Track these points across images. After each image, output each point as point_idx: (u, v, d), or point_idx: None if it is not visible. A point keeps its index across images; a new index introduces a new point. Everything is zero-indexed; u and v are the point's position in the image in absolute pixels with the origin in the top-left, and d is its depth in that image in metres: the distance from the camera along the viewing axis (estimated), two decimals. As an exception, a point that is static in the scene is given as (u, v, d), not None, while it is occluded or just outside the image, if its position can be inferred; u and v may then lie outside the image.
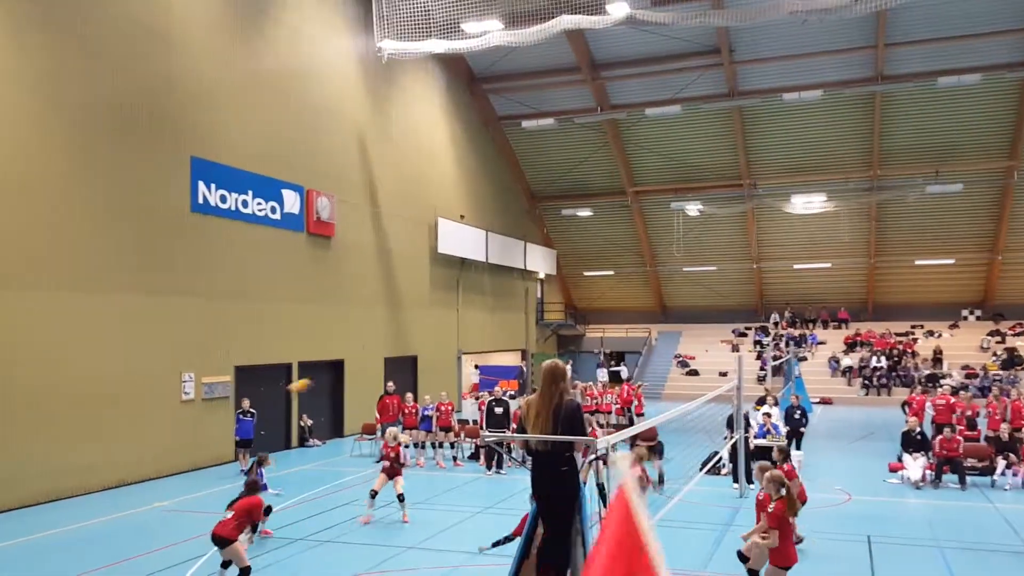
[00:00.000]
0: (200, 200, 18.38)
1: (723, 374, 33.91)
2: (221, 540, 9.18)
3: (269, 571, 10.23)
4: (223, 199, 19.02)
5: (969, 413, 18.35)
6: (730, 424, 15.14)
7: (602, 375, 34.04)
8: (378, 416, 18.69)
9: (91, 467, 15.57)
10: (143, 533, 12.34)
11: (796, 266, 38.04)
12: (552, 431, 5.98)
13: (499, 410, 17.66)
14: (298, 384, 18.66)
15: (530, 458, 6.20)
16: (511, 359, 37.20)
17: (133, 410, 16.55)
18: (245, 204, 19.70)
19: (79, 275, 15.55)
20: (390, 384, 20.02)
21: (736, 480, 14.70)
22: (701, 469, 14.98)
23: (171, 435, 17.42)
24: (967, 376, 32.01)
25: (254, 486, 10.06)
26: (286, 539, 11.72)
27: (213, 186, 18.72)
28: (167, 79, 17.65)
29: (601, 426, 20.88)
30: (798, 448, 17.50)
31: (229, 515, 9.55)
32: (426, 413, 18.57)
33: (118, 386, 16.25)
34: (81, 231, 15.59)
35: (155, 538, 11.93)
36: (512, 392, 35.65)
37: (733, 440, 15.01)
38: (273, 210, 20.66)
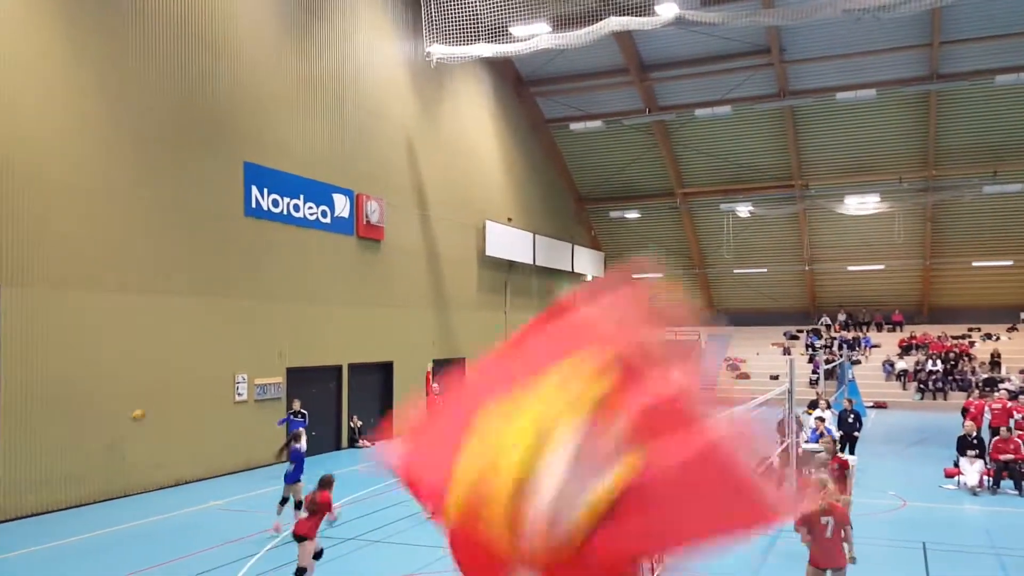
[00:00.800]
0: (253, 204, 18.72)
1: (774, 377, 33.35)
2: (302, 538, 9.31)
3: (321, 569, 10.35)
4: (275, 203, 19.35)
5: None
6: (781, 429, 14.86)
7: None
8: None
9: (147, 466, 15.95)
10: (198, 531, 12.60)
11: (849, 268, 37.25)
12: None
13: None
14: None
15: None
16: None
17: (188, 411, 16.92)
18: (297, 208, 20.01)
19: (138, 278, 15.96)
20: (435, 385, 20.10)
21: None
22: (751, 474, 14.72)
23: (225, 435, 17.76)
24: (1029, 381, 30.93)
25: (326, 483, 9.92)
26: (339, 538, 11.85)
27: (266, 190, 19.06)
28: (221, 85, 18.03)
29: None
30: (851, 453, 17.11)
31: (305, 515, 9.61)
32: None
33: (174, 387, 16.62)
34: (139, 235, 16.00)
35: (209, 536, 12.16)
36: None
37: (784, 444, 14.73)
38: (324, 214, 20.94)
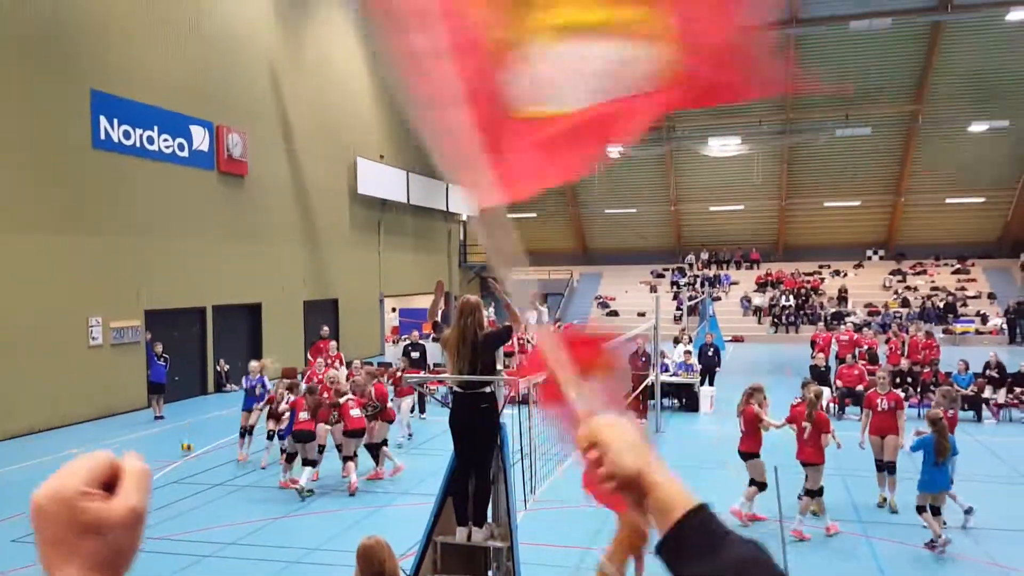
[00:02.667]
0: (103, 136, 17.48)
1: (642, 314, 34.71)
2: (307, 434, 10.90)
3: (190, 516, 10.11)
4: (127, 135, 18.14)
5: (869, 348, 19.34)
6: (632, 358, 15.59)
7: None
8: (311, 360, 18.30)
9: (-7, 416, 14.96)
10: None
11: (712, 208, 38.88)
12: (470, 366, 6.00)
13: (415, 354, 17.61)
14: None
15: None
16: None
17: (40, 356, 15.90)
18: (151, 140, 18.84)
19: (-29, 215, 14.68)
20: (324, 328, 19.68)
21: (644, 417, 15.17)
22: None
23: (80, 382, 16.84)
24: (869, 314, 33.62)
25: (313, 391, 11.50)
26: (205, 484, 11.58)
27: (116, 121, 17.81)
28: (61, 4, 16.54)
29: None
30: (711, 384, 18.13)
31: (305, 416, 10.98)
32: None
33: (19, 331, 15.55)
34: (-29, 168, 14.66)
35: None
36: (430, 334, 35.94)
37: (649, 379, 15.44)
38: (181, 147, 19.83)
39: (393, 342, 27.77)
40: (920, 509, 8.90)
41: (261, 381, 13.30)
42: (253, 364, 13.58)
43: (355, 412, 11.24)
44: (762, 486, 9.52)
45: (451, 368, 6.13)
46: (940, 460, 8.74)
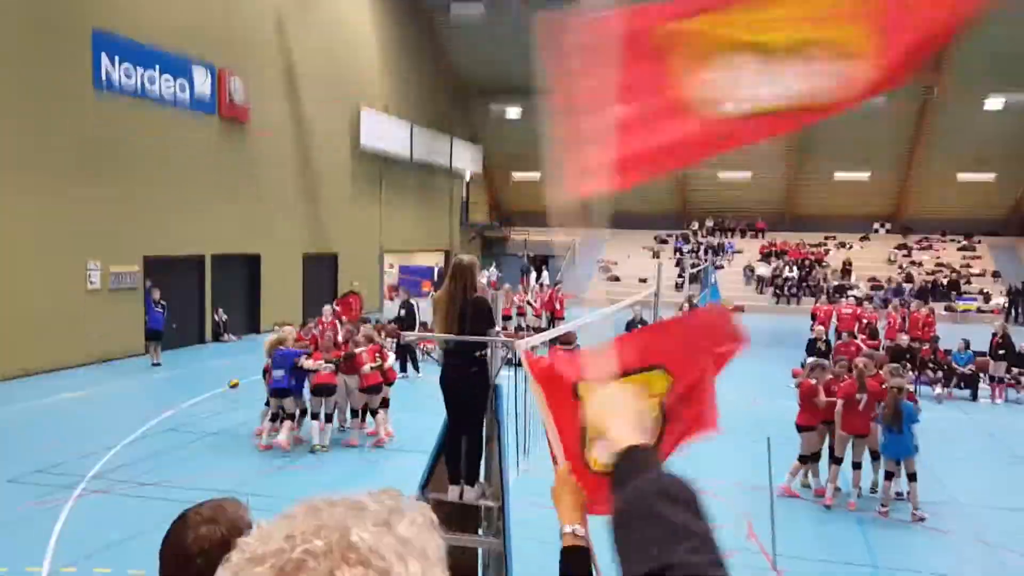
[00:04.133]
0: (103, 77, 17.32)
1: (643, 280, 34.72)
2: (329, 388, 11.11)
3: (185, 464, 10.24)
4: (128, 75, 17.98)
5: (869, 322, 19.37)
6: (628, 327, 15.62)
7: (530, 277, 34.35)
8: (337, 310, 18.29)
9: (-11, 357, 15.06)
10: (56, 423, 12.13)
11: (720, 175, 38.67)
12: (458, 329, 6.02)
13: (403, 312, 17.53)
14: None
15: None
16: (434, 260, 37.17)
17: (37, 298, 15.95)
18: (152, 81, 18.69)
19: (-31, 153, 14.61)
20: (356, 283, 19.38)
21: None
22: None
23: (77, 326, 16.92)
24: (872, 288, 33.63)
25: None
26: (202, 432, 11.71)
27: (117, 60, 17.64)
28: (63, -59, 16.29)
29: (521, 329, 21.25)
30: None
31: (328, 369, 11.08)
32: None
33: (16, 273, 15.59)
34: (-30, 105, 14.55)
35: (60, 430, 11.74)
36: (430, 292, 35.98)
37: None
38: (183, 88, 19.67)
39: (391, 299, 27.84)
40: (888, 475, 9.15)
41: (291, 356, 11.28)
42: (274, 337, 11.65)
43: (366, 368, 11.36)
44: (815, 457, 9.90)
45: (439, 329, 6.14)
46: (895, 427, 8.98)
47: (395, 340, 15.37)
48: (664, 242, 40.17)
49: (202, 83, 20.28)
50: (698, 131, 2.06)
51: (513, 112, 36.96)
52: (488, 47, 35.49)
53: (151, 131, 18.69)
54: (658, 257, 35.25)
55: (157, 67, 18.78)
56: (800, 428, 10.02)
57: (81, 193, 16.94)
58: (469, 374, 6.05)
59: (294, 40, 24.29)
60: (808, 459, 9.93)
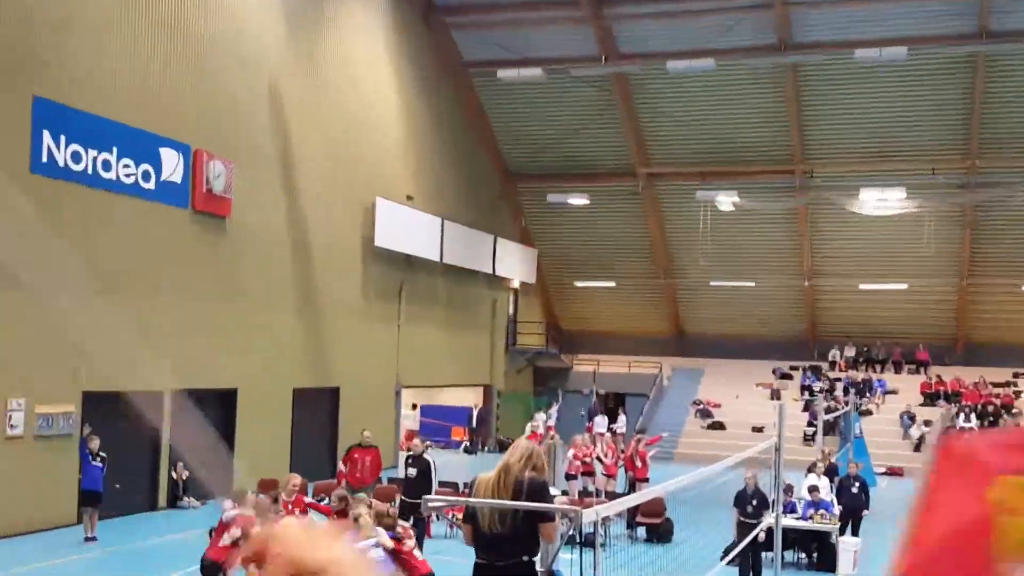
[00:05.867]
0: (44, 157, 18.16)
1: (758, 429, 34.10)
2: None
3: None
4: (76, 157, 18.81)
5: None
6: (740, 501, 15.37)
7: (601, 422, 34.08)
8: (342, 470, 18.33)
9: None
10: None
11: (863, 286, 38.43)
12: (513, 515, 6.00)
13: (413, 471, 17.10)
14: None
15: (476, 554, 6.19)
16: (469, 398, 37.16)
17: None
18: (107, 166, 19.50)
19: None
20: (366, 433, 18.84)
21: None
22: (723, 558, 15.03)
23: (-11, 485, 17.14)
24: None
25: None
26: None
27: (63, 138, 18.52)
28: (6, -12, 17.46)
29: (589, 495, 20.90)
30: (855, 534, 17.60)
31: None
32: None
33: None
34: None
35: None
36: (463, 442, 35.84)
37: (766, 524, 15.08)
38: (146, 176, 20.48)
39: (407, 450, 27.81)
40: None
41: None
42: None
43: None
44: None
45: (482, 518, 6.14)
46: None
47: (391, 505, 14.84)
48: (787, 377, 39.62)
49: (172, 167, 21.11)
50: None
51: (577, 201, 37.62)
52: (543, 120, 36.46)
53: (102, 227, 19.36)
54: (778, 398, 34.73)
55: (115, 149, 19.64)
56: None
57: (3, 308, 17.47)
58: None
59: (292, 113, 25.30)
60: None
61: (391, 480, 20.51)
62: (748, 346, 40.52)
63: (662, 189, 37.60)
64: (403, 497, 16.52)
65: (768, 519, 14.94)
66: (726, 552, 15.21)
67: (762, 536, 15.83)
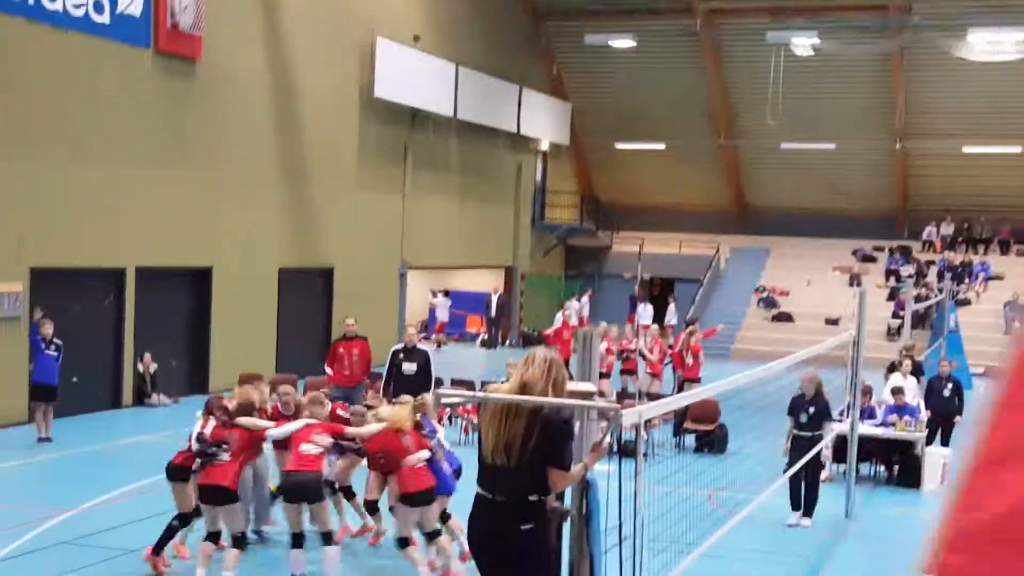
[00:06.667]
0: (-23, -12, 18.07)
1: (832, 322, 34.25)
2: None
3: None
4: (16, -13, 18.71)
5: None
6: (794, 409, 14.80)
7: (645, 312, 34.30)
8: (328, 372, 18.48)
9: None
10: None
11: (967, 149, 38.06)
12: (521, 449, 6.06)
13: (410, 366, 17.00)
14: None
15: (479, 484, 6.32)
16: (488, 282, 37.34)
17: None
18: (53, -2, 19.39)
19: None
20: (349, 321, 18.48)
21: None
22: (786, 471, 15.31)
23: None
24: None
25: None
26: (115, 549, 11.97)
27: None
28: None
29: (631, 396, 21.14)
30: (945, 444, 17.80)
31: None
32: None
33: None
34: None
35: None
36: (481, 334, 36.18)
37: (836, 431, 15.28)
38: (98, 7, 20.33)
39: (436, 344, 28.30)
40: None
41: None
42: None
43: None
44: None
45: (485, 450, 6.22)
46: None
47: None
48: (870, 259, 39.59)
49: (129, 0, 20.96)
50: None
51: (621, 43, 37.13)
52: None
53: (45, 71, 19.32)
54: (858, 284, 34.77)
55: (60, -28, 19.48)
56: None
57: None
58: (518, 534, 6.10)
59: (273, -71, 24.97)
60: None
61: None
62: (824, 223, 40.35)
63: (725, 29, 37.08)
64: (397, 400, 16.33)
65: (833, 431, 15.09)
66: (789, 465, 15.43)
67: (827, 454, 15.97)
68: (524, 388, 6.07)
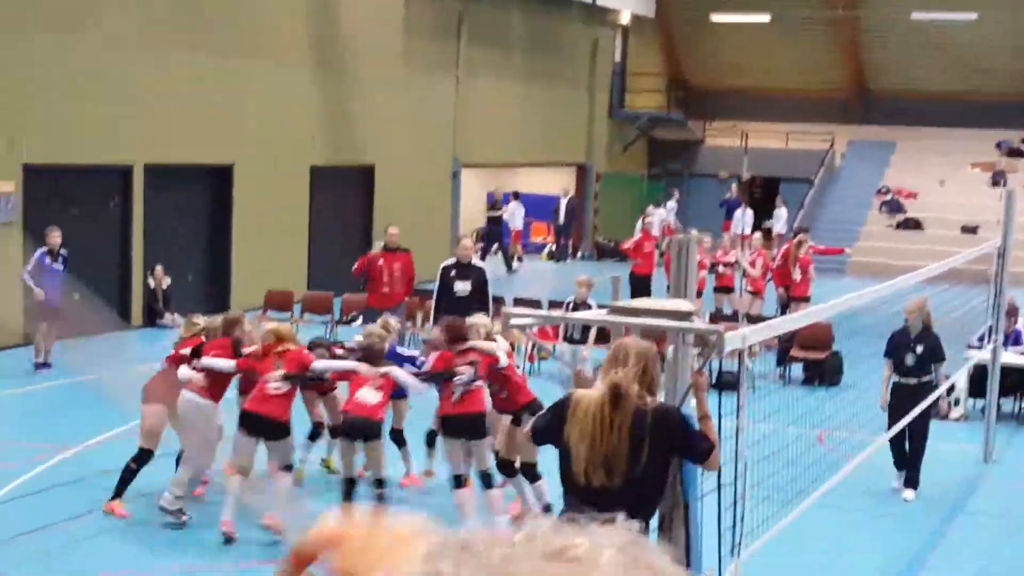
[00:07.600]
0: None
1: (970, 230, 33.94)
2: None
3: (86, 548, 10.70)
4: None
5: None
6: (895, 349, 14.22)
7: (744, 219, 34.12)
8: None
9: None
10: None
11: None
12: (627, 466, 6.09)
13: (463, 285, 16.75)
14: None
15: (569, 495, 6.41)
16: (557, 183, 37.26)
17: None
18: None
19: None
20: (392, 230, 18.68)
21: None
22: (890, 428, 15.35)
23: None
24: None
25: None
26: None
27: None
28: None
29: (728, 318, 21.15)
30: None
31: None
32: None
33: None
34: None
35: None
36: (548, 244, 36.24)
37: (974, 359, 15.21)
38: None
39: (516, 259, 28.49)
40: None
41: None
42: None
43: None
44: None
45: (578, 467, 6.25)
46: None
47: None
48: (1018, 154, 39.07)
49: None
50: None
51: None
52: None
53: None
54: (1004, 184, 34.33)
55: None
56: None
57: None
58: None
59: None
60: None
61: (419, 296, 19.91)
62: (962, 110, 39.76)
63: None
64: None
65: (983, 350, 15.00)
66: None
67: (962, 386, 15.85)
68: (616, 395, 6.07)
